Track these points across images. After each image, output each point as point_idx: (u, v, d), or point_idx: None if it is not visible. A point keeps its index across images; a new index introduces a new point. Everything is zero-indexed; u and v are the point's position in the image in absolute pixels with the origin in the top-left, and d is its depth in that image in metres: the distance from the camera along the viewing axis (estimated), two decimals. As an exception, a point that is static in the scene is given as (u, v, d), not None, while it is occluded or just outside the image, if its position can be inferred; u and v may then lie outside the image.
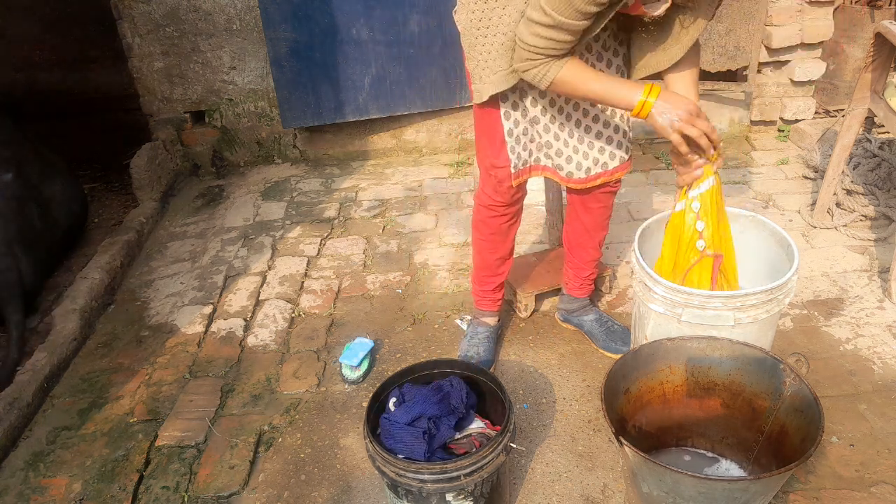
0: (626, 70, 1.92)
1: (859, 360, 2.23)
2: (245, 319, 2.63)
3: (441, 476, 1.54)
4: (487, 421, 1.84)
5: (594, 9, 1.49)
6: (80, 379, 2.40)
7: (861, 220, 2.93)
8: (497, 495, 1.69)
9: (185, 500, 1.91)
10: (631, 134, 2.03)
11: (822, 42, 3.62)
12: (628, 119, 1.98)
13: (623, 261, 2.84)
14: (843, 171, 2.98)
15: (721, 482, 1.48)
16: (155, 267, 3.06)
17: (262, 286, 2.83)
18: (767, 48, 3.60)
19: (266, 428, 2.13)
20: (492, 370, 2.21)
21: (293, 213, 3.43)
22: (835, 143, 2.81)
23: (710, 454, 1.84)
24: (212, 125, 3.83)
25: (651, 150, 3.78)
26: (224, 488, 1.93)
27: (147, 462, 2.03)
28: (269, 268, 2.97)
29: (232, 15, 3.53)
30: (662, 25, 1.71)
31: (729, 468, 1.80)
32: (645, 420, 1.77)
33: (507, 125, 1.88)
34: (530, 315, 2.53)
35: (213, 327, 2.61)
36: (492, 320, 2.35)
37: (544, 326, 2.49)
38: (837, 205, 2.98)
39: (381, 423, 1.71)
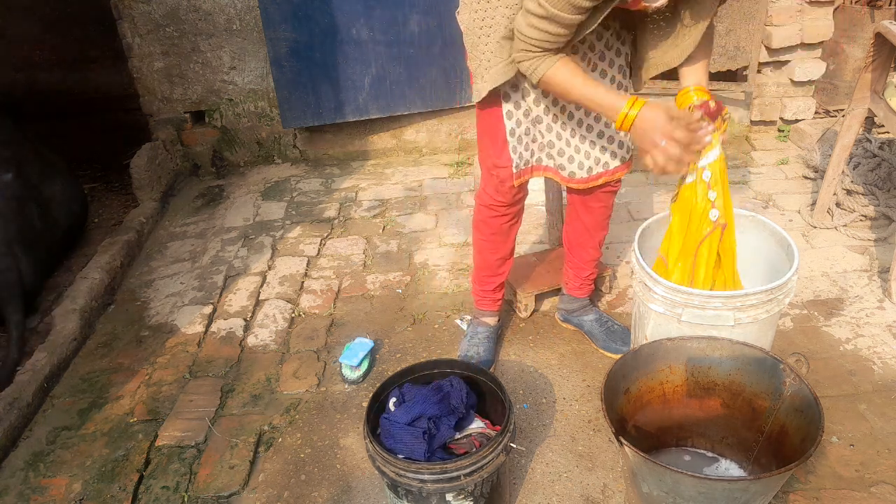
0: (628, 70, 1.92)
1: (859, 360, 2.23)
2: (245, 319, 2.63)
3: (441, 476, 1.54)
4: (487, 421, 1.84)
5: (587, 3, 1.49)
6: (80, 379, 2.40)
7: (861, 220, 2.93)
8: (497, 495, 1.69)
9: (185, 500, 1.91)
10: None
11: (822, 42, 3.62)
12: None
13: (623, 261, 2.84)
14: (843, 171, 2.98)
15: (721, 482, 1.48)
16: (155, 267, 3.06)
17: (262, 286, 2.83)
18: (767, 48, 3.60)
19: (266, 428, 2.13)
20: (492, 370, 2.21)
21: (293, 213, 3.43)
22: (835, 143, 2.81)
23: (709, 454, 1.84)
24: (212, 125, 3.83)
25: (651, 150, 3.78)
26: (224, 488, 1.93)
27: (147, 462, 2.03)
28: (269, 268, 2.97)
29: (232, 15, 3.53)
30: (671, 19, 1.70)
31: (729, 468, 1.80)
32: (645, 420, 1.77)
33: (509, 125, 1.88)
34: (530, 315, 2.53)
35: (213, 327, 2.61)
36: (492, 320, 2.35)
37: (544, 326, 2.49)
38: (837, 205, 2.98)
39: (381, 423, 1.71)
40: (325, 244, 3.13)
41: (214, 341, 2.53)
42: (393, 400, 1.76)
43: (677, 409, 1.80)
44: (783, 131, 3.82)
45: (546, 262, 2.64)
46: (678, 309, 1.76)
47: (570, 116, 1.90)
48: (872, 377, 2.16)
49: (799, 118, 3.77)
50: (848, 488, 1.81)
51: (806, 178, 3.37)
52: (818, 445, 1.41)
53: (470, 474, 1.55)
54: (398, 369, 1.88)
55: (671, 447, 1.86)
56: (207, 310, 2.70)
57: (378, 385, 1.79)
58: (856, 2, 3.64)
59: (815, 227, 2.95)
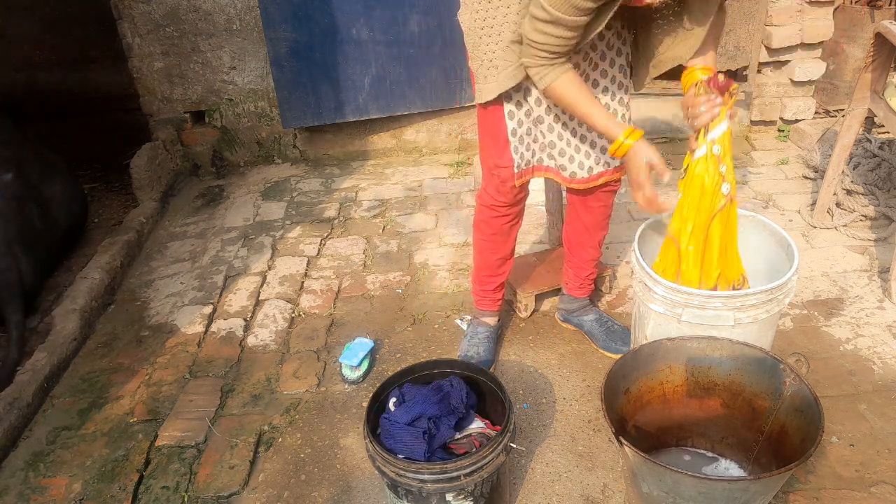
0: (629, 69, 1.92)
1: (859, 360, 2.23)
2: (245, 319, 2.63)
3: (441, 476, 1.54)
4: (487, 421, 1.84)
5: (591, 4, 1.50)
6: (80, 379, 2.40)
7: (861, 220, 2.93)
8: (497, 495, 1.69)
9: (185, 500, 1.91)
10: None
11: (822, 42, 3.62)
12: (629, 118, 1.99)
13: (623, 261, 2.84)
14: (843, 171, 2.98)
15: (721, 482, 1.48)
16: (155, 267, 3.06)
17: (262, 286, 2.83)
18: (767, 48, 3.60)
19: (266, 428, 2.13)
20: (492, 370, 2.21)
21: (293, 213, 3.43)
22: (835, 143, 2.81)
23: (709, 454, 1.84)
24: (212, 125, 3.83)
25: (651, 150, 3.78)
26: (224, 488, 1.93)
27: (147, 462, 2.03)
28: (269, 268, 2.97)
29: (232, 15, 3.53)
30: (679, 13, 1.70)
31: (729, 468, 1.80)
32: (645, 420, 1.77)
33: (510, 125, 1.88)
34: (530, 315, 2.53)
35: (213, 327, 2.61)
36: (492, 320, 2.35)
37: (544, 326, 2.49)
38: (837, 205, 2.98)
39: (381, 423, 1.71)
40: (325, 244, 3.13)
41: (214, 341, 2.53)
42: (393, 400, 1.76)
43: (677, 409, 1.80)
44: (783, 131, 3.82)
45: (546, 262, 2.64)
46: (678, 309, 1.76)
47: (571, 117, 1.90)
48: (872, 377, 2.16)
49: (799, 118, 3.77)
50: (848, 488, 1.81)
51: (806, 178, 3.37)
52: (818, 445, 1.41)
53: (470, 474, 1.55)
54: (398, 369, 1.88)
55: (671, 447, 1.86)
56: (207, 310, 2.70)
57: (378, 385, 1.79)
58: (856, 2, 3.64)
59: (815, 227, 2.95)
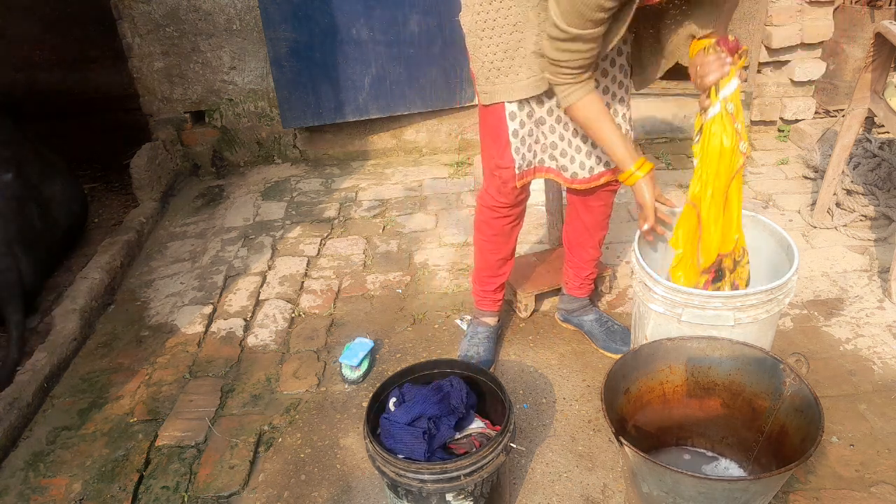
0: (629, 69, 1.92)
1: (859, 360, 2.23)
2: (245, 319, 2.63)
3: (441, 476, 1.54)
4: (487, 421, 1.84)
5: (603, 14, 1.51)
6: (80, 379, 2.40)
7: (861, 220, 2.93)
8: (497, 495, 1.69)
9: (185, 500, 1.91)
10: (632, 134, 2.03)
11: (822, 42, 3.62)
12: (630, 118, 1.99)
13: (623, 261, 2.84)
14: (843, 171, 2.98)
15: (721, 482, 1.48)
16: (155, 267, 3.06)
17: (262, 286, 2.83)
18: (767, 48, 3.60)
19: (266, 428, 2.13)
20: (492, 370, 2.20)
21: (293, 213, 3.43)
22: (835, 143, 2.81)
23: (709, 453, 1.84)
24: (212, 125, 3.83)
25: (651, 149, 3.78)
26: (224, 488, 1.93)
27: (147, 462, 2.03)
28: (269, 268, 2.97)
29: (232, 15, 3.53)
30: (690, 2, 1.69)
31: (729, 468, 1.80)
32: (645, 420, 1.77)
33: (512, 125, 1.88)
34: (530, 315, 2.53)
35: (213, 327, 2.61)
36: (492, 320, 2.35)
37: (544, 326, 2.49)
38: (837, 205, 2.98)
39: (381, 423, 1.71)
40: (325, 244, 3.13)
41: (214, 341, 2.53)
42: (393, 400, 1.76)
43: (677, 409, 1.80)
44: (783, 131, 3.82)
45: (546, 262, 2.64)
46: (678, 309, 1.76)
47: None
48: (872, 377, 2.16)
49: (799, 118, 3.77)
50: (848, 488, 1.81)
51: (806, 178, 3.37)
52: (818, 445, 1.41)
53: (470, 474, 1.55)
54: (398, 369, 1.88)
55: (671, 446, 1.86)
56: (207, 310, 2.70)
57: (378, 385, 1.79)
58: (856, 2, 3.64)
59: (815, 227, 2.95)
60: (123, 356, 2.50)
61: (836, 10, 3.61)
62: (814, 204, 3.02)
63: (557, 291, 2.50)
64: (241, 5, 3.50)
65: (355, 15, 3.42)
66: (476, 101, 1.95)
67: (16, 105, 4.05)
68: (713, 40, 1.69)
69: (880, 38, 2.50)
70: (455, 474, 1.54)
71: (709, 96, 1.69)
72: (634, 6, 1.56)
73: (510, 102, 1.85)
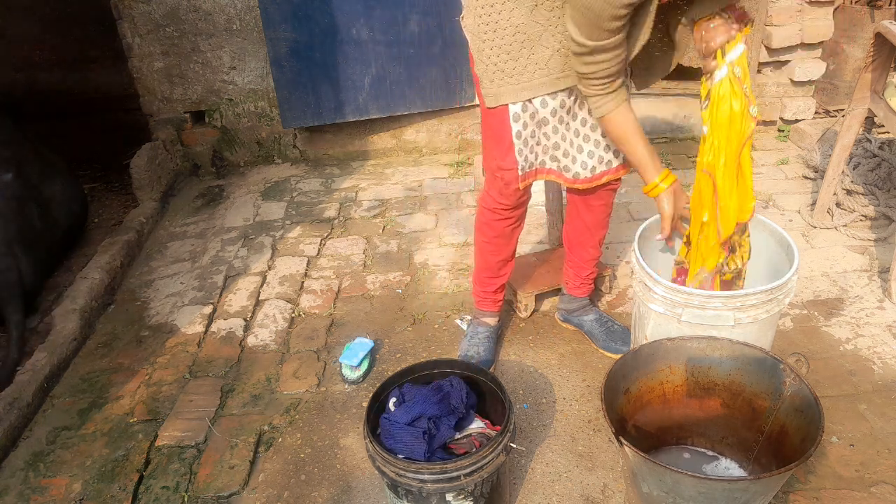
0: (629, 69, 1.92)
1: (859, 360, 2.23)
2: (245, 319, 2.63)
3: (441, 476, 1.54)
4: (487, 421, 1.84)
5: (618, 23, 1.52)
6: (80, 379, 2.40)
7: (861, 220, 2.93)
8: (497, 495, 1.69)
9: (185, 500, 1.91)
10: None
11: (822, 42, 3.62)
12: None
13: (623, 261, 2.84)
14: (843, 171, 2.98)
15: (721, 482, 1.48)
16: (155, 267, 3.06)
17: (262, 286, 2.83)
18: (767, 48, 3.60)
19: (266, 428, 2.13)
20: (492, 370, 2.20)
21: (293, 213, 3.43)
22: (835, 143, 2.81)
23: (710, 453, 1.84)
24: (212, 125, 3.83)
25: (651, 150, 3.78)
26: (224, 488, 1.93)
27: (147, 462, 2.03)
28: (269, 268, 2.97)
29: (232, 15, 3.53)
30: None
31: (729, 467, 1.80)
32: (645, 420, 1.77)
33: (515, 127, 1.88)
34: (530, 315, 2.53)
35: (213, 327, 2.61)
36: (492, 320, 2.35)
37: (544, 326, 2.49)
38: (837, 205, 2.98)
39: (381, 423, 1.71)
40: (325, 244, 3.13)
41: (214, 341, 2.53)
42: (393, 400, 1.76)
43: (677, 409, 1.80)
44: (783, 131, 3.82)
45: (546, 262, 2.64)
46: (678, 309, 1.76)
47: (574, 116, 1.90)
48: (872, 377, 2.16)
49: (799, 118, 3.77)
50: (848, 488, 1.81)
51: (806, 178, 3.37)
52: (818, 445, 1.41)
53: (470, 474, 1.55)
54: (398, 369, 1.88)
55: (671, 446, 1.86)
56: (207, 310, 2.70)
57: (378, 385, 1.79)
58: (856, 2, 3.64)
59: (815, 227, 2.95)
60: (123, 356, 2.50)
61: (836, 10, 3.61)
62: (814, 204, 3.02)
63: (557, 291, 2.50)
64: (241, 5, 3.50)
65: (355, 15, 3.42)
66: (476, 102, 1.95)
67: (16, 105, 4.05)
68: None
69: (880, 38, 2.50)
70: (455, 474, 1.54)
71: (715, 58, 1.65)
72: (654, 8, 1.56)
73: (514, 104, 1.85)
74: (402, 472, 1.56)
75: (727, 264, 1.83)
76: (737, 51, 1.64)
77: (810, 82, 3.71)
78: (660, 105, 3.81)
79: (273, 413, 2.19)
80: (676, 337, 1.74)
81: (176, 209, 3.56)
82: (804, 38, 3.55)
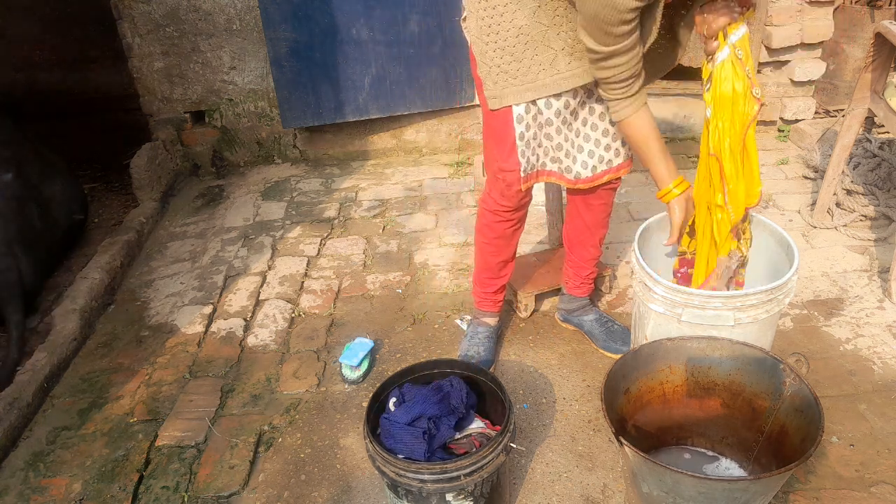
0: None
1: (859, 360, 2.23)
2: (245, 319, 2.63)
3: (441, 476, 1.54)
4: (487, 421, 1.84)
5: (626, 27, 1.52)
6: (80, 379, 2.40)
7: (861, 220, 2.93)
8: (497, 495, 1.69)
9: (185, 500, 1.91)
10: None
11: (822, 42, 3.62)
12: None
13: (623, 261, 2.84)
14: (843, 171, 2.98)
15: (721, 482, 1.48)
16: (155, 267, 3.06)
17: (262, 286, 2.83)
18: (767, 48, 3.60)
19: (266, 428, 2.13)
20: (492, 370, 2.20)
21: (293, 213, 3.43)
22: (835, 143, 2.81)
23: (710, 453, 1.85)
24: (212, 125, 3.83)
25: (651, 150, 3.78)
26: (224, 488, 1.93)
27: (147, 462, 2.03)
28: (269, 268, 2.97)
29: (232, 15, 3.53)
30: None
31: (729, 467, 1.80)
32: (645, 420, 1.77)
33: (518, 129, 1.87)
34: (530, 315, 2.53)
35: (213, 327, 2.61)
36: (492, 320, 2.35)
37: (544, 326, 2.49)
38: (837, 205, 2.98)
39: (381, 423, 1.71)
40: (325, 244, 3.13)
41: (214, 341, 2.53)
42: (393, 400, 1.76)
43: (677, 409, 1.80)
44: (783, 131, 3.82)
45: (546, 262, 2.64)
46: (678, 309, 1.76)
47: (575, 116, 1.90)
48: (872, 377, 2.16)
49: (799, 118, 3.77)
50: (848, 488, 1.81)
51: (806, 178, 3.37)
52: (818, 445, 1.41)
53: (470, 474, 1.55)
54: (398, 369, 1.88)
55: (671, 446, 1.86)
56: (207, 310, 2.70)
57: (378, 385, 1.79)
58: (856, 2, 3.64)
59: (815, 227, 2.95)
60: (123, 356, 2.50)
61: (836, 10, 3.61)
62: (814, 204, 3.02)
63: (557, 291, 2.50)
64: (241, 5, 3.50)
65: (355, 15, 3.42)
66: (476, 102, 1.95)
67: (16, 105, 4.05)
68: None
69: (880, 38, 2.50)
70: (455, 474, 1.54)
71: (716, 40, 1.66)
72: (661, 7, 1.56)
73: (518, 105, 1.85)
74: (402, 472, 1.56)
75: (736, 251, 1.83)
76: (739, 32, 1.64)
77: (810, 82, 3.71)
78: (660, 105, 3.81)
79: (273, 413, 2.19)
80: (676, 337, 1.74)
81: (176, 209, 3.56)
82: (804, 38, 3.55)
